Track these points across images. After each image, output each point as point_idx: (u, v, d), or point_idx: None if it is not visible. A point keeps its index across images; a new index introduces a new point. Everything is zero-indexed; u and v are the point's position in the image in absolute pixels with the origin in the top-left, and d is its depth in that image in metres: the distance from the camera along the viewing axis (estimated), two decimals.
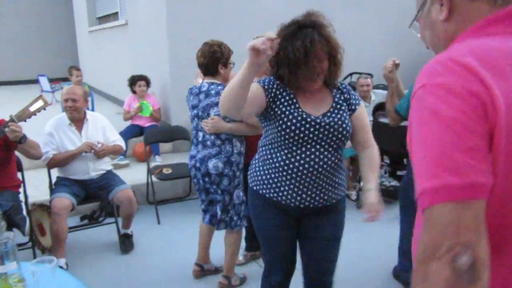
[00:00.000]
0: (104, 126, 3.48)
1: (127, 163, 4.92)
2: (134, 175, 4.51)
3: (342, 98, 1.87)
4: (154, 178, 4.13)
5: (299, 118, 1.75)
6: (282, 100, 1.79)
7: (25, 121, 2.79)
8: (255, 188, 1.92)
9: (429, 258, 0.71)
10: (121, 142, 3.55)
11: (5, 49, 12.47)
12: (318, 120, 1.76)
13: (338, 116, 1.81)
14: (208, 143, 2.63)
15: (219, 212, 2.70)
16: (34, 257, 3.09)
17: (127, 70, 6.57)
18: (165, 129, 5.03)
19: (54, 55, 12.65)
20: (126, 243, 3.44)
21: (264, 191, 1.87)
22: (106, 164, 3.47)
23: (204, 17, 5.36)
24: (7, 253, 1.56)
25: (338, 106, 1.84)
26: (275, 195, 1.84)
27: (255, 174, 1.92)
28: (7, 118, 2.76)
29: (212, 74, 2.68)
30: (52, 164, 3.26)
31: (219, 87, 2.61)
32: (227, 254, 2.82)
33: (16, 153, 3.05)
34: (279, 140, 1.78)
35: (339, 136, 1.79)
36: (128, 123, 5.32)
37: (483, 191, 0.71)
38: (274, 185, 1.83)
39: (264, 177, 1.86)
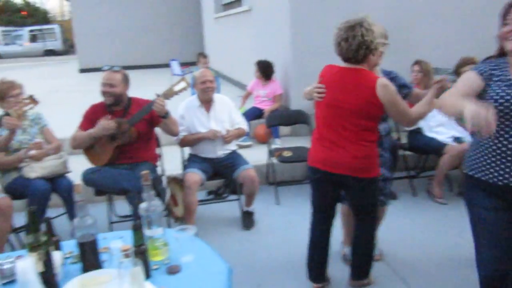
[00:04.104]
0: (230, 108, 3.69)
1: (250, 144, 5.15)
2: (255, 156, 4.69)
3: None
4: (274, 160, 4.25)
5: None
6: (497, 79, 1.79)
7: (168, 99, 3.09)
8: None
9: None
10: (244, 125, 3.73)
11: (141, 36, 13.84)
12: None
13: None
14: None
15: None
16: (168, 225, 3.43)
17: (250, 55, 6.80)
18: (286, 113, 5.12)
19: (183, 41, 13.67)
20: (247, 220, 3.63)
21: (473, 172, 1.88)
22: (231, 144, 3.67)
23: (328, 3, 5.28)
24: (154, 220, 1.76)
25: None
26: (486, 174, 1.83)
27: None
28: (151, 98, 3.07)
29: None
30: (182, 143, 3.59)
31: None
32: None
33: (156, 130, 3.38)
34: None
35: None
36: (251, 105, 5.54)
37: None
38: (484, 165, 1.84)
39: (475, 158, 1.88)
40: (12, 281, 1.64)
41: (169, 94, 3.10)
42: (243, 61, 8.01)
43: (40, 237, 1.49)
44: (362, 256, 2.61)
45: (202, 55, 6.73)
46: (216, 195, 4.25)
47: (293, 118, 4.65)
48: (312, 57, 5.48)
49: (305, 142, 4.65)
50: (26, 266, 1.41)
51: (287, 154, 4.20)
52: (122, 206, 3.64)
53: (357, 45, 2.21)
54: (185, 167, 3.59)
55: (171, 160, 4.31)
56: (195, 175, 3.32)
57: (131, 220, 3.35)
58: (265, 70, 5.39)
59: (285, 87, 5.73)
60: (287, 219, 3.77)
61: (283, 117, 4.71)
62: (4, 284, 1.63)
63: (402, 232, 3.44)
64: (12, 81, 3.27)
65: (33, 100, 2.90)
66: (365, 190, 2.46)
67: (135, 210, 2.97)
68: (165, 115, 3.07)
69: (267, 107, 5.36)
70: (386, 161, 2.72)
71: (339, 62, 2.41)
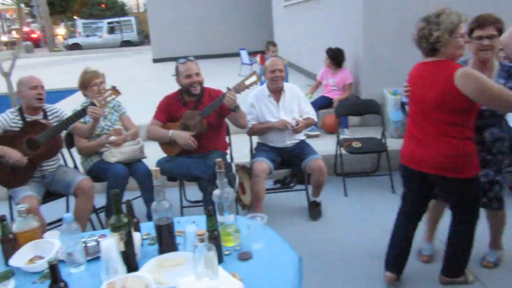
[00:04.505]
0: (299, 98, 3.66)
1: (318, 134, 5.09)
2: (323, 146, 4.63)
3: None
4: (342, 151, 4.17)
5: None
6: None
7: (239, 93, 3.13)
8: None
9: None
10: (313, 115, 3.69)
11: (211, 26, 14.13)
12: None
13: None
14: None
15: None
16: (236, 212, 3.50)
17: (319, 43, 6.68)
18: (356, 102, 4.99)
19: (252, 30, 13.76)
20: (315, 210, 3.60)
21: None
22: (300, 134, 3.65)
23: None
24: (226, 206, 1.80)
25: None
26: None
27: None
28: (222, 89, 3.13)
29: None
30: (251, 132, 3.62)
31: None
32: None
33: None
34: None
35: None
36: (319, 94, 5.47)
37: None
38: None
39: None
40: (96, 258, 1.76)
41: (240, 88, 3.14)
42: (311, 50, 7.91)
43: (122, 218, 1.58)
44: (455, 254, 2.50)
45: (271, 43, 6.72)
46: (283, 185, 4.26)
47: (363, 108, 4.52)
48: (385, 44, 5.29)
49: (375, 133, 4.51)
50: (110, 245, 1.51)
51: (356, 145, 4.10)
52: (192, 192, 3.77)
53: (426, 38, 2.16)
54: (253, 155, 3.63)
55: (239, 148, 4.38)
56: (263, 164, 3.35)
57: (201, 206, 3.46)
58: (336, 57, 5.27)
59: (355, 76, 5.58)
60: (354, 212, 3.69)
61: (353, 107, 4.59)
62: (89, 260, 1.76)
63: None
64: (95, 71, 3.49)
65: (115, 91, 3.05)
66: (459, 191, 2.33)
67: (207, 196, 3.07)
68: (235, 108, 3.12)
69: (336, 96, 5.25)
70: (495, 161, 2.52)
71: (414, 51, 2.35)
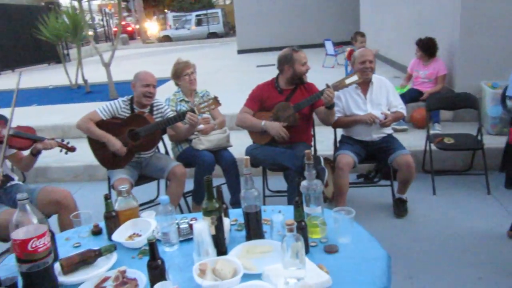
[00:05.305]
0: (388, 90, 3.52)
1: (406, 128, 4.88)
2: (410, 141, 4.43)
3: None
4: (432, 147, 3.95)
5: None
6: None
7: (337, 90, 3.10)
8: None
9: None
10: (402, 108, 3.53)
11: (296, 17, 14.07)
12: None
13: None
14: None
15: None
16: None
17: (410, 33, 6.36)
18: (449, 95, 4.68)
19: (337, 20, 13.47)
20: (400, 208, 3.47)
21: None
22: (387, 128, 3.51)
23: None
24: (313, 198, 1.80)
25: None
26: None
27: None
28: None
29: None
30: (336, 125, 3.55)
31: None
32: None
33: None
34: None
35: None
36: (409, 86, 5.22)
37: None
38: None
39: None
40: (187, 240, 1.86)
41: (339, 86, 3.10)
42: (401, 39, 7.56)
43: (214, 203, 1.66)
44: None
45: (359, 34, 6.53)
46: (367, 179, 4.15)
47: (457, 102, 4.24)
48: (485, 32, 4.90)
49: (469, 128, 4.21)
50: (202, 228, 1.58)
51: (448, 141, 3.86)
52: (274, 182, 3.82)
53: None
54: (337, 148, 3.58)
55: (322, 140, 4.34)
56: (348, 157, 3.28)
57: (282, 196, 3.50)
58: (428, 48, 4.97)
59: (449, 67, 5.23)
60: (443, 211, 3.49)
61: (446, 100, 4.31)
62: (181, 241, 1.86)
63: None
64: (187, 61, 3.65)
65: (216, 102, 3.10)
66: None
67: (292, 187, 3.09)
68: (331, 106, 3.10)
69: (427, 89, 4.97)
70: None
71: None
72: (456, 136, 3.97)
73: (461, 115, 5.05)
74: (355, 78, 3.08)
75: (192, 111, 3.05)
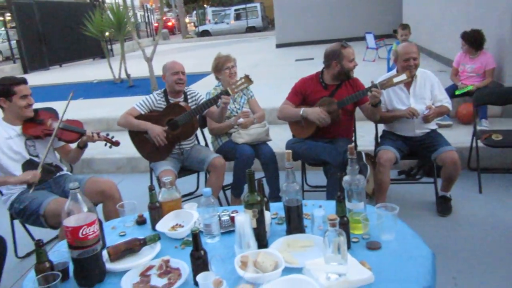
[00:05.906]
0: (432, 84, 3.40)
1: (450, 124, 4.72)
2: (456, 137, 4.28)
3: None
4: (479, 143, 3.80)
5: None
6: None
7: (384, 89, 3.04)
8: None
9: None
10: (447, 103, 3.40)
11: (336, 10, 13.85)
12: None
13: None
14: None
15: None
16: None
17: (455, 25, 6.12)
18: (498, 90, 4.48)
19: (379, 13, 13.14)
20: (444, 206, 3.36)
21: None
22: (431, 123, 3.41)
23: None
24: (356, 194, 1.78)
25: None
26: None
27: None
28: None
29: None
30: (378, 120, 3.46)
31: None
32: None
33: None
34: None
35: None
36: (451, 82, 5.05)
37: None
38: None
39: None
40: (228, 232, 1.89)
41: (387, 84, 3.02)
42: (446, 32, 7.29)
43: (255, 196, 1.67)
44: None
45: (402, 26, 6.33)
46: (409, 176, 4.05)
47: (507, 97, 4.04)
48: None
49: None
50: (244, 220, 1.60)
51: (497, 137, 3.70)
52: (312, 176, 3.79)
53: None
54: (378, 143, 3.51)
55: (363, 135, 4.28)
56: (389, 153, 3.21)
57: (320, 191, 3.47)
58: (475, 41, 4.76)
59: (498, 60, 5.00)
60: (490, 211, 3.36)
61: (495, 95, 4.12)
62: (222, 233, 1.89)
63: None
64: (228, 55, 3.68)
65: (248, 80, 3.16)
66: None
67: (332, 182, 3.06)
68: (377, 104, 3.04)
69: (473, 83, 4.78)
70: None
71: None
72: (505, 133, 3.80)
73: (510, 111, 4.82)
74: (403, 77, 2.98)
75: (226, 93, 3.10)
